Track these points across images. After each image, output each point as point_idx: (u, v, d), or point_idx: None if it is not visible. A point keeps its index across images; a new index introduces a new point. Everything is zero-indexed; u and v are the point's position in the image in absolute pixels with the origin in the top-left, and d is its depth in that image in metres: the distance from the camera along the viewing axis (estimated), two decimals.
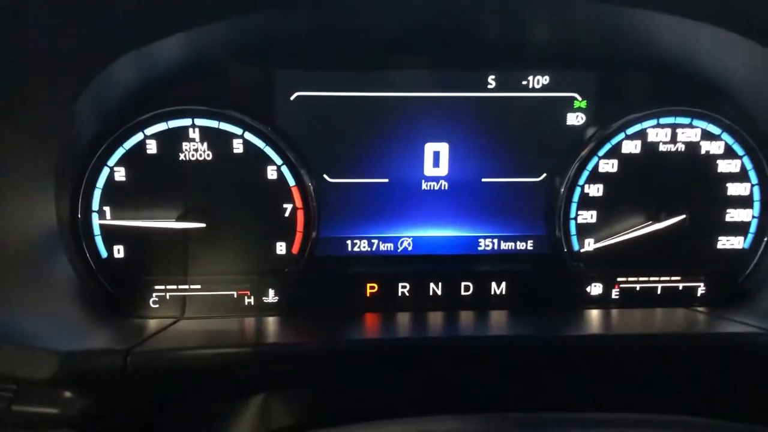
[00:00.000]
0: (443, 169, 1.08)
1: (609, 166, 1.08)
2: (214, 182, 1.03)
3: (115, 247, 1.03)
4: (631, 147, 1.08)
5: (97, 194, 1.01)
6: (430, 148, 1.07)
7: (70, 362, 0.80)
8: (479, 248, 1.12)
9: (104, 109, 0.97)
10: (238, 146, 1.03)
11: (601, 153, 1.08)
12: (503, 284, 1.10)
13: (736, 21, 0.90)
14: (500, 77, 1.06)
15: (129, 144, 1.01)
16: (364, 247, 1.10)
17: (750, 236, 1.12)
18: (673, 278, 1.12)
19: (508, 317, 1.07)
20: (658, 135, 1.08)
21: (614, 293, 1.12)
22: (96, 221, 1.02)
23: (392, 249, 1.11)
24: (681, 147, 1.08)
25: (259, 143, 1.03)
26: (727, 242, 1.12)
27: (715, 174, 1.09)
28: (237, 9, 0.85)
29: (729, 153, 1.09)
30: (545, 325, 1.03)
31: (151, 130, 1.01)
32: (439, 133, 1.07)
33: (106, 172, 1.01)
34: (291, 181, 1.05)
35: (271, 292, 1.07)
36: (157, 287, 1.05)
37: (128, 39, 0.85)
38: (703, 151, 1.09)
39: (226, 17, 0.85)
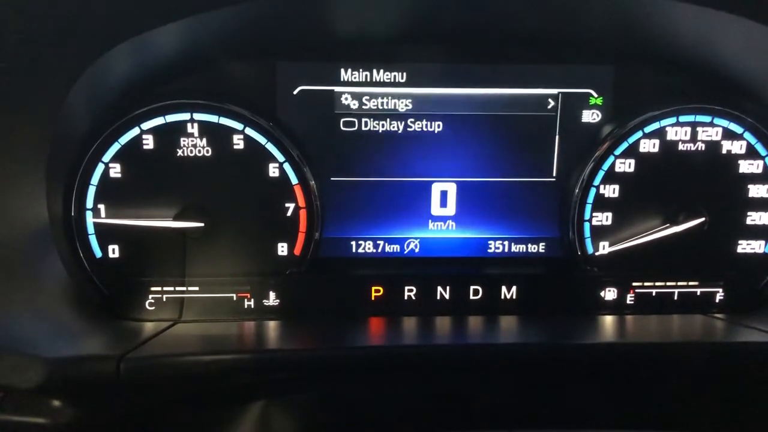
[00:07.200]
0: (453, 168, 1.06)
1: (626, 165, 1.05)
2: (213, 180, 1.01)
3: (110, 247, 1.01)
4: (649, 146, 1.05)
5: (91, 191, 0.99)
6: (439, 144, 1.05)
7: (58, 369, 0.78)
8: (489, 251, 1.09)
9: (98, 102, 0.94)
10: (238, 142, 1.00)
11: (617, 152, 1.05)
12: (514, 288, 1.07)
13: (761, 10, 0.85)
14: (513, 71, 1.03)
15: (125, 139, 0.98)
16: (369, 248, 1.08)
17: None
18: (691, 283, 1.09)
19: (519, 323, 1.04)
20: (678, 134, 1.05)
21: (629, 299, 1.09)
22: (90, 219, 0.99)
23: (398, 251, 1.09)
24: (701, 146, 1.05)
25: (260, 139, 1.01)
26: (747, 246, 1.09)
27: (736, 175, 1.06)
28: None
29: (751, 153, 1.06)
30: (557, 332, 1.01)
31: (147, 125, 0.98)
32: (449, 130, 1.04)
33: (100, 168, 0.98)
34: (293, 179, 1.02)
35: (272, 294, 1.04)
36: (153, 289, 1.02)
37: (123, 27, 0.81)
38: (724, 151, 1.06)
39: (227, 3, 0.81)
